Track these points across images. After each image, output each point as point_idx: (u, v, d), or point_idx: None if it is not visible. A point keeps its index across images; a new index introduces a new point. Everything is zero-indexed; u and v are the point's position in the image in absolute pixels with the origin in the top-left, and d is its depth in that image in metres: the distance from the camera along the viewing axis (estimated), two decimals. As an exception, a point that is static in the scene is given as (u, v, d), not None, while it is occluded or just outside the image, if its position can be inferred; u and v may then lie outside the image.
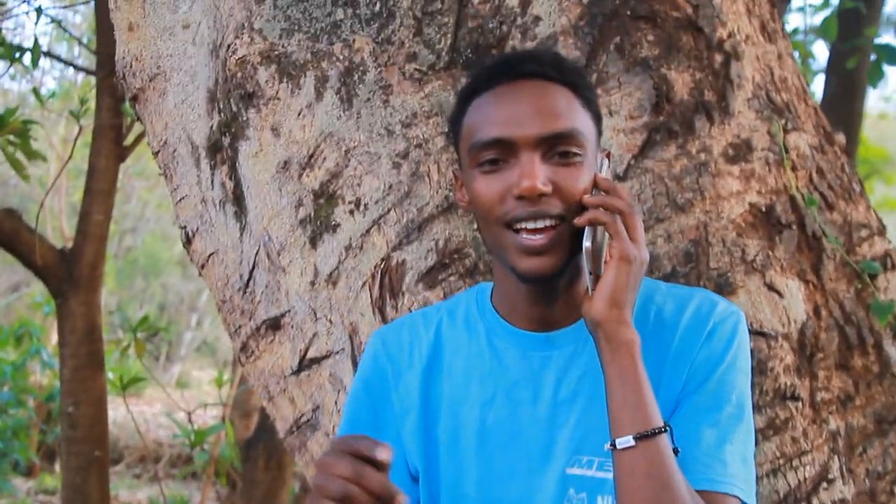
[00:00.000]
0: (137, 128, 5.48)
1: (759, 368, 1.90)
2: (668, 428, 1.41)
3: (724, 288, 1.95)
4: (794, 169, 2.08)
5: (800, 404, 1.93)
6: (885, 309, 2.06)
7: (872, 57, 3.71)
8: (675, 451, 1.43)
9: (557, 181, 1.49)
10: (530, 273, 1.51)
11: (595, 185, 1.52)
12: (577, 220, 1.48)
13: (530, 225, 1.49)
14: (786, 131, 2.09)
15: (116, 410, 10.20)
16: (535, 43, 2.06)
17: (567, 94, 1.54)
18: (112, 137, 5.42)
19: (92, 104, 5.44)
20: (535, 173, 1.47)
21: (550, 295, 1.58)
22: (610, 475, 1.47)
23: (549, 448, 1.54)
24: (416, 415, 1.63)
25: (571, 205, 1.49)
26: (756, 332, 1.92)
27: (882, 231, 2.20)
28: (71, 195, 14.35)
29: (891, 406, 2.04)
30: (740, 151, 2.04)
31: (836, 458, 1.94)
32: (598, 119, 1.60)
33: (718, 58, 2.08)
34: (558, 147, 1.50)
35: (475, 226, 2.01)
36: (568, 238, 1.50)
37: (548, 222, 1.49)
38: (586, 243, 1.47)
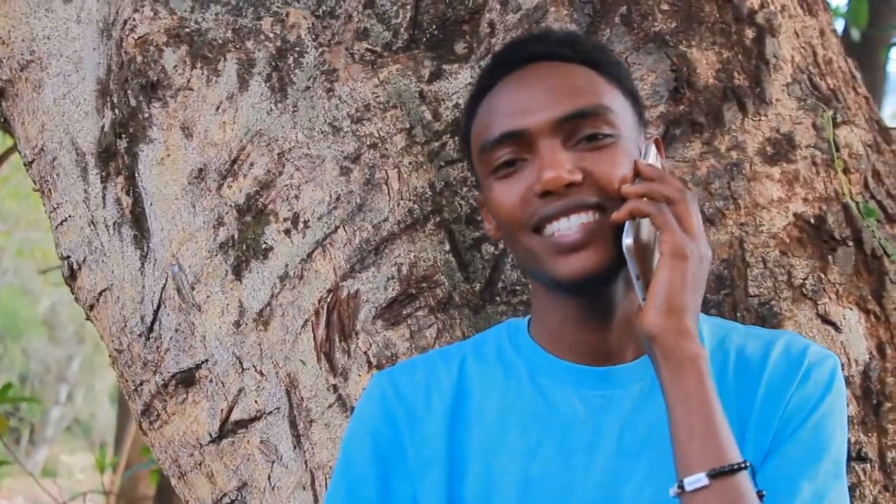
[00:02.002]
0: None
1: (817, 421, 1.86)
2: (748, 465, 1.38)
3: (768, 320, 1.92)
4: (846, 171, 2.06)
5: (868, 466, 1.90)
6: (963, 348, 2.02)
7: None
8: (760, 496, 1.40)
9: (588, 167, 1.47)
10: (572, 275, 1.47)
11: (636, 173, 1.50)
12: (615, 215, 1.45)
13: (563, 224, 1.46)
14: (835, 125, 2.08)
15: (-33, 505, 9.93)
16: (517, 15, 2.05)
17: (585, 71, 1.54)
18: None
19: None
20: (558, 161, 1.45)
21: (603, 313, 1.54)
22: None
23: None
24: (440, 469, 1.58)
25: (610, 194, 1.47)
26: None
27: (953, 251, 2.17)
28: None
29: (975, 470, 2.01)
30: (780, 149, 2.02)
31: (915, 534, 1.91)
32: (633, 97, 1.59)
33: (749, 33, 2.08)
34: (582, 129, 1.49)
35: (447, 247, 2.00)
36: (611, 232, 1.47)
37: (583, 217, 1.46)
38: (627, 240, 1.44)
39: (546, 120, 1.48)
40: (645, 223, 1.46)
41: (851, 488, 1.85)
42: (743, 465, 1.36)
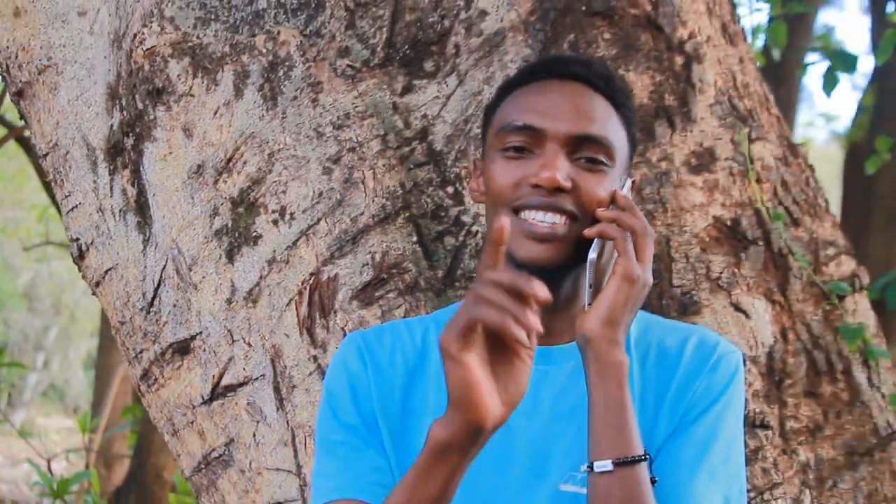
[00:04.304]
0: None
1: (727, 395, 1.99)
2: (647, 457, 1.50)
3: (689, 307, 2.04)
4: (759, 181, 2.18)
5: (770, 433, 2.02)
6: (855, 333, 2.16)
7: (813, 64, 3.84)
8: (653, 481, 1.51)
9: (577, 181, 1.58)
10: (528, 258, 1.57)
11: (612, 200, 1.60)
12: (587, 231, 1.57)
13: (539, 216, 1.57)
14: (750, 140, 2.19)
15: (-50, 463, 9.90)
16: (480, 39, 2.13)
17: (608, 106, 1.65)
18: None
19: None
20: (558, 166, 1.56)
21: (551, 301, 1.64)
22: None
23: (542, 462, 1.59)
24: (395, 419, 1.66)
25: (587, 209, 1.58)
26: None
27: (849, 250, 2.30)
28: None
29: (861, 437, 2.14)
30: (703, 161, 2.13)
31: (807, 491, 2.03)
32: (633, 140, 1.70)
33: (679, 59, 2.18)
34: (586, 150, 1.60)
35: (415, 238, 2.06)
36: (575, 238, 1.58)
37: (558, 218, 1.57)
38: (592, 255, 1.55)
39: (563, 131, 1.59)
40: (608, 245, 1.58)
41: (755, 451, 1.99)
42: (643, 458, 1.49)
